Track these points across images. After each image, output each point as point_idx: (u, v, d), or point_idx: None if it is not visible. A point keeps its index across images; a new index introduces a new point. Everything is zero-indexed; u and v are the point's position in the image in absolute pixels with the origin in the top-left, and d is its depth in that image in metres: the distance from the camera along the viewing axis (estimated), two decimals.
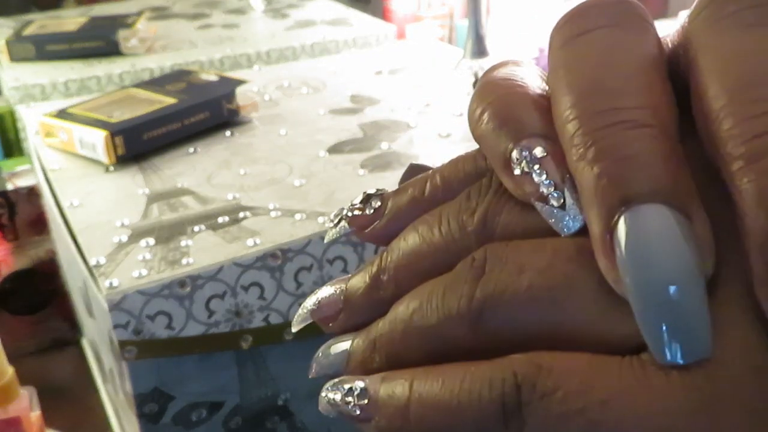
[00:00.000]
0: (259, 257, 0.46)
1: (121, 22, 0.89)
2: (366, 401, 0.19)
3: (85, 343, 0.72)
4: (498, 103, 0.19)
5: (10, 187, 0.72)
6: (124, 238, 0.48)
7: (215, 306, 0.45)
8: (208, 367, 0.47)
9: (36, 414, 0.52)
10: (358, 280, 0.21)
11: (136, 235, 0.48)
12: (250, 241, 0.47)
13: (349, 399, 0.19)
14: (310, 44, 0.91)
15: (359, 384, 0.20)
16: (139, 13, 0.93)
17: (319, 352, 0.24)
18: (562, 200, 0.17)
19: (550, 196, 0.17)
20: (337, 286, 0.22)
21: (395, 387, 0.18)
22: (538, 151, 0.18)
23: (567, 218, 0.17)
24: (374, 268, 0.21)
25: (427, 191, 0.21)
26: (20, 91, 0.79)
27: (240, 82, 0.67)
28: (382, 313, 0.20)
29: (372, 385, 0.19)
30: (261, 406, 0.50)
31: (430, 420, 0.18)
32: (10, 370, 0.50)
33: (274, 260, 0.46)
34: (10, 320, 0.72)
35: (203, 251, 0.46)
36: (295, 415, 0.52)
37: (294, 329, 0.24)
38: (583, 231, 0.17)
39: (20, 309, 0.73)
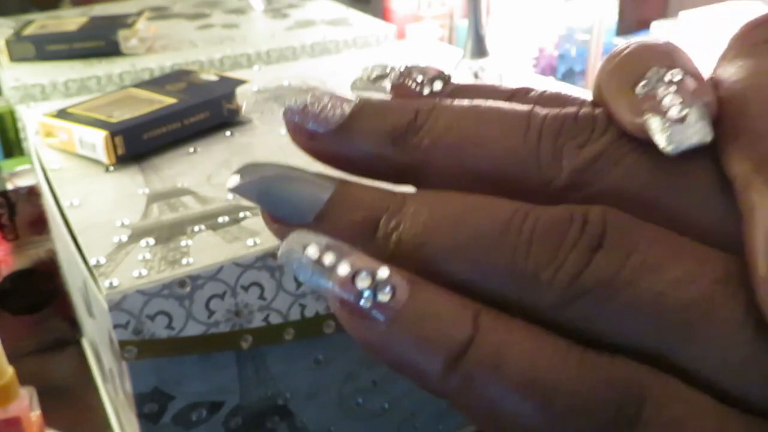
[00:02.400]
0: (259, 257, 0.46)
1: (121, 22, 0.89)
2: (389, 299, 0.14)
3: (85, 343, 0.72)
4: (648, 45, 0.16)
5: (10, 187, 0.72)
6: (124, 238, 0.48)
7: (215, 306, 0.45)
8: (208, 367, 0.47)
9: (36, 414, 0.52)
10: (379, 113, 0.17)
11: (136, 235, 0.48)
12: (250, 241, 0.47)
13: (362, 283, 0.14)
14: (310, 44, 0.91)
15: (383, 271, 0.14)
16: (139, 13, 0.93)
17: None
18: (684, 112, 0.14)
19: (672, 107, 0.14)
20: (347, 102, 0.17)
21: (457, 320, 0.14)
22: (676, 73, 0.15)
23: (684, 132, 0.14)
24: (407, 116, 0.16)
25: (511, 97, 0.17)
26: (20, 91, 0.79)
27: (240, 82, 0.67)
28: (380, 173, 0.16)
29: (400, 283, 0.14)
30: (261, 406, 0.50)
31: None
32: (10, 370, 0.50)
33: (274, 260, 0.46)
34: (10, 320, 0.72)
35: (203, 251, 0.46)
36: (296, 415, 0.52)
37: (250, 106, 0.18)
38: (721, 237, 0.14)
39: (20, 309, 0.73)
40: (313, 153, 0.18)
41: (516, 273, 0.14)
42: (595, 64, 1.02)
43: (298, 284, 0.48)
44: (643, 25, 1.13)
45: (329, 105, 0.17)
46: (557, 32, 1.12)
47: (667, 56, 0.16)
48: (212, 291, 0.45)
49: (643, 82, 0.15)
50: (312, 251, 0.15)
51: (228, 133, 0.64)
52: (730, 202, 0.14)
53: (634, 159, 0.15)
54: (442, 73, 0.18)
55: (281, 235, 0.16)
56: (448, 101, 0.16)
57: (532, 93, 0.18)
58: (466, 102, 0.16)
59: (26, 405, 0.50)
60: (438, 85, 0.17)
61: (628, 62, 0.16)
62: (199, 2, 1.12)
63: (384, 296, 0.14)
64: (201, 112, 0.63)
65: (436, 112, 0.16)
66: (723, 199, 0.14)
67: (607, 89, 0.16)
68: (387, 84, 0.18)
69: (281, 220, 0.16)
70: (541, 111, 0.16)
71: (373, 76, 0.18)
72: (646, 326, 0.14)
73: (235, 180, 0.17)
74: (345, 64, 0.81)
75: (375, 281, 0.14)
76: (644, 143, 0.15)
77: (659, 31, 1.08)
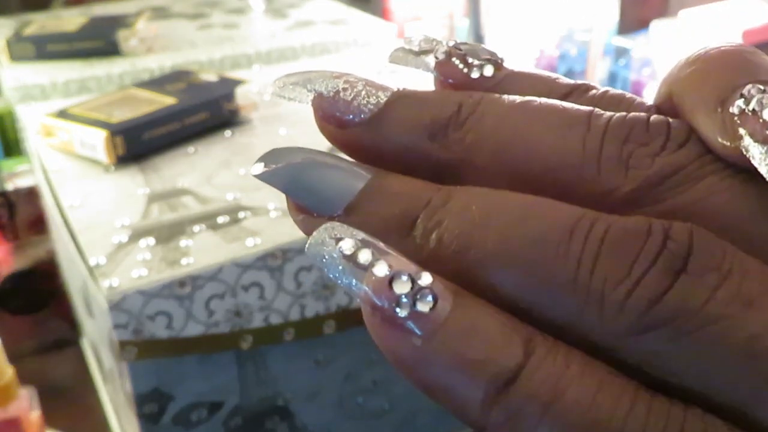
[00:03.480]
0: (259, 257, 0.46)
1: (121, 22, 0.89)
2: (429, 310, 0.12)
3: (85, 343, 0.72)
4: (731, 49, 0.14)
5: (10, 187, 0.72)
6: (124, 238, 0.48)
7: (215, 306, 0.45)
8: (208, 367, 0.47)
9: (36, 414, 0.52)
10: (417, 104, 0.14)
11: (136, 235, 0.48)
12: (250, 241, 0.47)
13: (402, 290, 0.12)
14: (310, 44, 0.91)
15: (426, 277, 0.12)
16: (139, 13, 0.93)
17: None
18: None
19: None
20: (383, 90, 0.15)
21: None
22: None
23: None
24: (449, 109, 0.14)
25: (569, 93, 0.15)
26: (20, 91, 0.79)
27: (240, 82, 0.67)
28: (416, 170, 0.14)
29: (443, 293, 0.12)
30: (261, 406, 0.50)
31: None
32: (10, 370, 0.50)
33: (274, 260, 0.46)
34: (10, 320, 0.72)
35: (203, 251, 0.46)
36: (296, 416, 0.52)
37: (278, 89, 0.16)
38: None
39: (20, 309, 0.73)
40: (342, 144, 0.15)
41: (578, 291, 0.12)
42: (595, 64, 1.02)
43: (298, 284, 0.48)
44: (643, 25, 1.13)
45: (363, 92, 0.15)
46: (557, 32, 1.12)
47: (763, 69, 0.13)
48: (212, 291, 0.45)
49: (739, 100, 0.12)
50: (346, 246, 0.13)
51: (228, 133, 0.64)
52: None
53: (721, 181, 0.13)
54: (495, 55, 0.15)
55: (307, 228, 0.14)
56: (496, 95, 0.14)
57: (592, 92, 0.15)
58: (517, 98, 0.14)
59: (26, 405, 0.50)
60: (489, 70, 0.15)
61: (715, 71, 0.14)
62: (199, 2, 1.12)
63: (424, 306, 0.12)
64: (201, 112, 0.63)
65: (483, 106, 0.14)
66: None
67: (688, 99, 0.14)
68: (431, 60, 0.15)
69: (308, 211, 0.14)
70: (604, 112, 0.14)
71: (417, 48, 0.16)
72: (732, 374, 0.11)
73: (259, 166, 0.15)
74: (345, 64, 0.81)
75: (415, 288, 0.12)
76: (734, 166, 0.13)
77: (659, 31, 1.08)
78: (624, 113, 0.14)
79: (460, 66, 0.15)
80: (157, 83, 0.67)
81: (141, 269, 0.44)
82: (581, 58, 1.12)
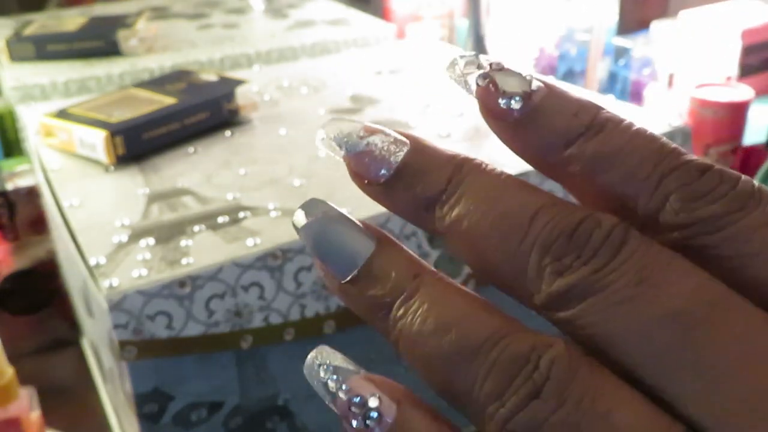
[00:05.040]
0: (259, 257, 0.46)
1: (121, 22, 0.89)
2: (374, 425, 0.16)
3: (85, 343, 0.72)
4: None
5: (10, 187, 0.72)
6: (124, 238, 0.48)
7: (215, 306, 0.45)
8: (208, 367, 0.47)
9: (36, 414, 0.52)
10: (418, 173, 0.17)
11: (136, 235, 0.48)
12: (250, 241, 0.47)
13: (354, 410, 0.17)
14: (310, 44, 0.91)
15: (373, 401, 0.16)
16: (139, 13, 0.93)
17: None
18: None
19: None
20: (396, 153, 0.18)
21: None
22: None
23: None
24: (439, 185, 0.17)
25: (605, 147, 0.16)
26: (20, 91, 0.79)
27: (240, 82, 0.67)
28: (421, 227, 0.17)
29: (387, 409, 0.16)
30: (261, 406, 0.50)
31: None
32: (10, 370, 0.50)
33: (274, 260, 0.46)
34: (10, 320, 0.72)
35: (203, 251, 0.46)
36: (296, 416, 0.52)
37: (321, 143, 0.18)
38: None
39: (20, 309, 0.73)
40: (367, 194, 0.18)
41: (471, 399, 0.15)
42: (595, 64, 1.02)
43: (298, 284, 0.48)
44: (643, 25, 1.13)
45: (381, 155, 0.17)
46: (557, 32, 1.12)
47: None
48: (212, 291, 0.45)
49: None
50: (322, 374, 0.17)
51: (228, 133, 0.64)
52: None
53: (606, 305, 0.15)
54: (526, 82, 0.17)
55: (332, 290, 0.18)
56: (484, 167, 0.17)
57: (600, 136, 0.16)
58: (491, 183, 0.17)
59: (26, 405, 0.51)
60: (517, 104, 0.16)
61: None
62: (199, 2, 1.12)
63: (371, 422, 0.16)
64: (201, 112, 0.63)
65: (463, 186, 0.17)
66: None
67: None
68: (473, 83, 0.17)
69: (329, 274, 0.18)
70: (548, 213, 0.15)
71: (461, 72, 0.18)
72: None
73: (301, 217, 0.18)
74: (345, 64, 0.81)
75: (365, 408, 0.16)
76: (620, 291, 0.15)
77: (659, 31, 1.08)
78: (568, 212, 0.15)
79: (495, 95, 0.17)
80: (157, 83, 0.67)
81: (141, 269, 0.44)
82: (581, 58, 1.11)
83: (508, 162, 0.20)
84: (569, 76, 1.13)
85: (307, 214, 0.18)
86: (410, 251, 0.17)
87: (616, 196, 0.16)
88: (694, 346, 0.14)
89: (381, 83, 0.74)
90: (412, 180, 0.17)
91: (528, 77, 0.17)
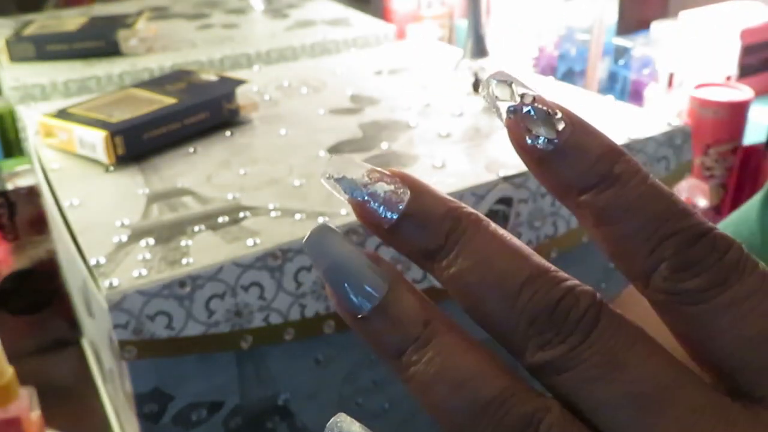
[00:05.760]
0: (259, 257, 0.46)
1: (121, 22, 0.89)
2: None
3: (85, 343, 0.72)
4: None
5: (10, 187, 0.72)
6: (124, 238, 0.48)
7: (215, 306, 0.45)
8: (208, 367, 0.47)
9: (36, 414, 0.52)
10: (420, 225, 0.18)
11: (136, 235, 0.48)
12: (250, 241, 0.47)
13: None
14: (310, 44, 0.91)
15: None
16: (139, 13, 0.93)
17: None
18: None
19: None
20: (398, 203, 0.18)
21: None
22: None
23: None
24: (438, 238, 0.18)
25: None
26: (20, 91, 0.79)
27: (240, 82, 0.67)
28: (434, 262, 0.18)
29: None
30: (261, 406, 0.50)
31: None
32: (10, 370, 0.50)
33: (274, 260, 0.46)
34: (10, 320, 0.72)
35: (203, 251, 0.46)
36: (296, 415, 0.52)
37: (325, 182, 0.19)
38: None
39: (20, 309, 0.73)
40: (375, 235, 0.19)
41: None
42: (595, 64, 1.02)
43: (298, 284, 0.48)
44: (643, 25, 1.13)
45: (381, 203, 0.18)
46: (557, 32, 1.12)
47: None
48: (212, 291, 0.45)
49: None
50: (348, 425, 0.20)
51: (228, 133, 0.64)
52: None
53: (586, 373, 0.17)
54: (553, 121, 0.18)
55: (343, 316, 0.19)
56: (480, 224, 0.18)
57: (613, 189, 0.18)
58: (494, 239, 0.18)
59: (26, 405, 0.51)
60: (543, 143, 0.18)
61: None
62: (199, 2, 1.12)
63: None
64: (201, 112, 0.63)
65: (460, 245, 0.18)
66: None
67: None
68: (503, 110, 0.18)
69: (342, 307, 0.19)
70: (535, 285, 0.17)
71: (492, 95, 0.18)
72: None
73: (320, 252, 0.19)
74: (345, 64, 0.81)
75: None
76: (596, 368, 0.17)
77: (659, 32, 1.08)
78: (554, 284, 0.17)
79: (523, 130, 0.18)
80: (157, 83, 0.67)
81: (141, 269, 0.44)
82: (581, 58, 1.11)
83: (509, 162, 0.20)
84: (569, 76, 1.13)
85: (320, 244, 0.19)
86: (421, 293, 0.18)
87: (619, 248, 0.18)
88: (646, 424, 0.16)
89: (381, 83, 0.74)
90: (413, 232, 0.18)
91: (555, 115, 0.18)
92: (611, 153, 0.18)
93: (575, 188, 0.18)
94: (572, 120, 0.18)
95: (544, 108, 0.18)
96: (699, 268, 0.17)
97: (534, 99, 0.18)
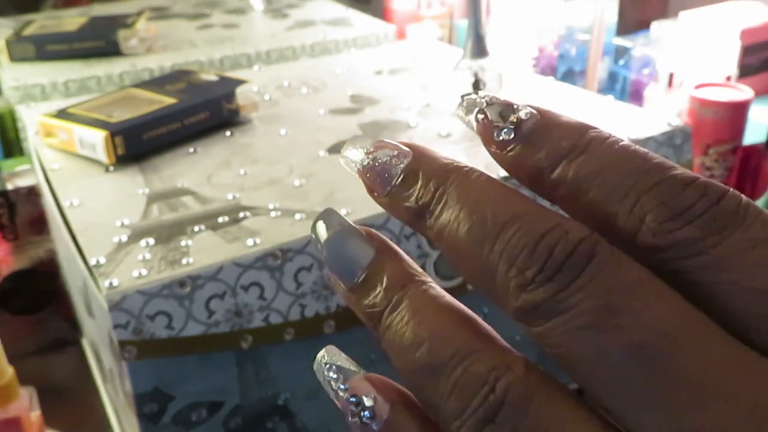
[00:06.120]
0: (259, 257, 0.46)
1: (121, 22, 0.89)
2: (369, 421, 0.17)
3: (85, 343, 0.72)
4: None
5: (10, 187, 0.72)
6: (124, 238, 0.48)
7: (215, 306, 0.45)
8: (208, 367, 0.47)
9: (36, 414, 0.52)
10: (410, 187, 0.18)
11: (136, 235, 0.48)
12: (250, 241, 0.47)
13: (352, 408, 0.18)
14: (310, 44, 0.91)
15: (368, 400, 0.18)
16: (139, 13, 0.93)
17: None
18: None
19: None
20: (400, 158, 0.18)
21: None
22: None
23: None
24: (427, 195, 0.17)
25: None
26: (20, 91, 0.79)
27: (240, 82, 0.67)
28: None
29: (381, 409, 0.17)
30: (261, 406, 0.50)
31: None
32: (10, 370, 0.50)
33: (274, 260, 0.46)
34: (10, 320, 0.72)
35: (203, 251, 0.46)
36: (296, 415, 0.52)
37: (342, 162, 0.19)
38: None
39: (20, 309, 0.73)
40: (380, 206, 0.19)
41: (439, 415, 0.16)
42: (595, 64, 1.02)
43: (298, 284, 0.48)
44: (643, 25, 1.13)
45: (385, 168, 0.18)
46: (557, 32, 1.12)
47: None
48: (212, 291, 0.45)
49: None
50: (327, 372, 0.19)
51: (228, 133, 0.64)
52: None
53: (567, 324, 0.14)
54: (512, 112, 0.17)
55: (341, 296, 0.19)
56: (469, 174, 0.17)
57: (582, 158, 0.16)
58: (482, 185, 0.17)
59: (26, 405, 0.50)
60: (508, 135, 0.17)
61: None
62: (199, 2, 1.12)
63: (366, 419, 0.17)
64: (201, 112, 0.63)
65: (447, 195, 0.17)
66: None
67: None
68: (473, 120, 0.18)
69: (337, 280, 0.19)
70: (518, 222, 0.15)
71: (465, 110, 0.18)
72: None
73: (322, 230, 0.19)
74: (345, 64, 0.81)
75: (361, 407, 0.17)
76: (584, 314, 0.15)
77: (659, 32, 1.08)
78: (531, 223, 0.15)
79: (490, 129, 0.17)
80: (157, 83, 0.67)
81: (141, 269, 0.44)
82: (581, 58, 1.11)
83: None
84: (569, 76, 1.13)
85: (327, 227, 0.19)
86: (408, 259, 0.18)
87: (599, 217, 0.16)
88: (653, 379, 0.13)
89: (381, 83, 0.74)
90: (408, 190, 0.17)
91: (517, 106, 0.17)
92: (578, 127, 0.16)
93: (546, 170, 0.16)
94: (539, 110, 0.17)
95: (508, 103, 0.17)
96: (691, 214, 0.14)
97: (497, 98, 0.18)
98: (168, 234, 0.48)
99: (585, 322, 0.14)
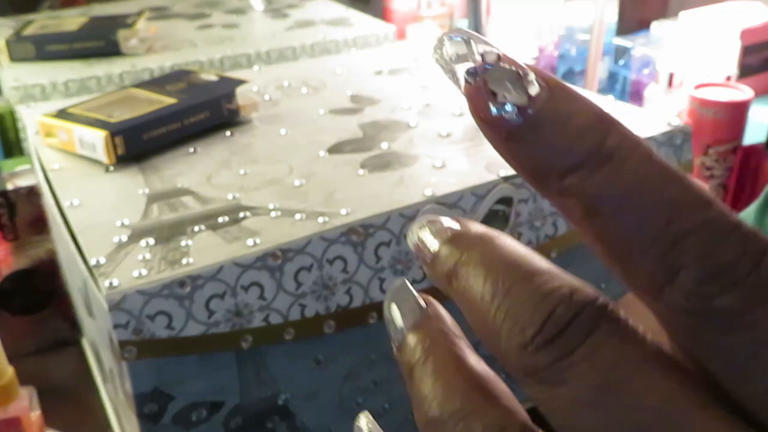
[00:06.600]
0: (259, 257, 0.46)
1: (121, 22, 0.89)
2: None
3: (85, 343, 0.72)
4: None
5: (10, 187, 0.72)
6: (124, 238, 0.48)
7: (215, 306, 0.45)
8: (208, 367, 0.47)
9: (36, 414, 0.52)
10: (429, 228, 0.17)
11: (136, 235, 0.48)
12: (250, 241, 0.47)
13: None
14: (310, 44, 0.91)
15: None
16: (139, 13, 0.93)
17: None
18: None
19: None
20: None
21: None
22: None
23: None
24: (446, 261, 0.16)
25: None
26: (20, 91, 0.79)
27: (240, 82, 0.67)
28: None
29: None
30: (261, 406, 0.50)
31: None
32: (10, 370, 0.50)
33: (274, 260, 0.46)
34: (10, 320, 0.72)
35: (203, 251, 0.46)
36: (296, 415, 0.52)
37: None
38: None
39: (20, 309, 0.73)
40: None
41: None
42: (595, 64, 1.02)
43: (298, 284, 0.48)
44: (643, 25, 1.13)
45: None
46: (557, 32, 1.12)
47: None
48: (212, 291, 0.45)
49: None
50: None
51: (228, 133, 0.64)
52: None
53: (555, 390, 0.14)
54: (524, 82, 0.14)
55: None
56: (494, 239, 0.16)
57: (597, 175, 0.14)
58: (501, 245, 0.16)
59: (26, 405, 0.50)
60: (511, 110, 0.14)
61: None
62: (199, 2, 1.12)
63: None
64: (201, 112, 0.63)
65: (470, 260, 0.16)
66: None
67: None
68: (461, 74, 0.15)
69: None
70: (527, 281, 0.14)
71: (448, 58, 0.15)
72: None
73: (397, 315, 0.18)
74: (345, 64, 0.81)
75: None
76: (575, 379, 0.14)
77: (659, 32, 1.08)
78: (538, 286, 0.14)
79: (485, 97, 0.14)
80: (157, 83, 0.67)
81: (141, 269, 0.44)
82: (581, 58, 1.11)
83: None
84: (569, 76, 1.13)
85: (401, 309, 0.18)
86: (448, 320, 0.18)
87: (618, 248, 0.14)
88: None
89: (381, 83, 0.74)
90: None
91: (527, 76, 0.14)
92: (601, 121, 0.14)
93: (556, 170, 0.14)
94: (549, 83, 0.14)
95: (513, 68, 0.14)
96: (732, 276, 0.13)
97: (499, 57, 0.14)
98: (168, 234, 0.48)
99: (585, 397, 0.13)
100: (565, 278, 0.14)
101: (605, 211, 0.14)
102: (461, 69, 0.15)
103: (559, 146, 0.14)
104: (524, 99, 0.14)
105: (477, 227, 0.17)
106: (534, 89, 0.14)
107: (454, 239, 0.16)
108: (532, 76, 0.14)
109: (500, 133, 0.14)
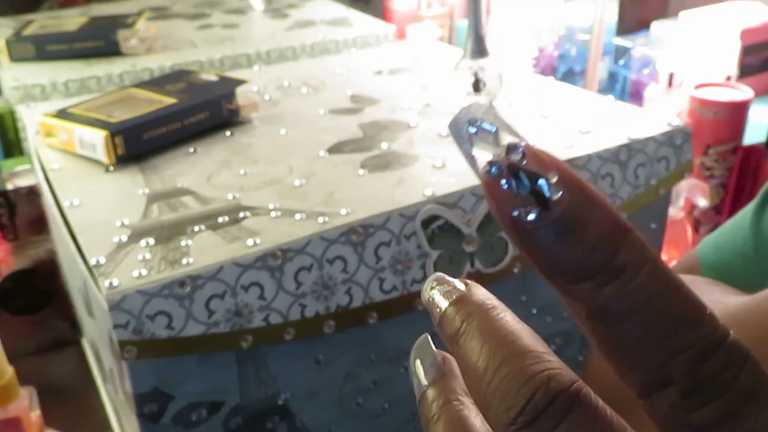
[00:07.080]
0: (259, 257, 0.46)
1: (121, 22, 0.89)
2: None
3: (85, 343, 0.72)
4: None
5: (10, 187, 0.72)
6: (124, 238, 0.48)
7: (215, 306, 0.45)
8: (208, 367, 0.47)
9: (36, 414, 0.52)
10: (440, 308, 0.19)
11: (136, 235, 0.48)
12: (250, 241, 0.47)
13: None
14: (310, 44, 0.91)
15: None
16: (139, 13, 0.93)
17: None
18: None
19: None
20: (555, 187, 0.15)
21: None
22: None
23: None
24: (453, 326, 0.18)
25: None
26: (20, 91, 0.79)
27: (240, 82, 0.67)
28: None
29: None
30: (261, 406, 0.50)
31: None
32: (10, 370, 0.50)
33: (274, 260, 0.46)
34: (10, 320, 0.72)
35: (203, 251, 0.46)
36: (296, 415, 0.52)
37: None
38: None
39: (20, 309, 0.73)
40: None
41: None
42: (595, 64, 1.02)
43: (298, 284, 0.48)
44: (643, 25, 1.13)
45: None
46: (557, 32, 1.12)
47: None
48: (212, 291, 0.45)
49: None
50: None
51: (228, 133, 0.64)
52: None
53: None
54: (546, 186, 0.15)
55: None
56: (491, 310, 0.17)
57: (610, 286, 0.15)
58: (497, 317, 0.17)
59: (26, 405, 0.51)
60: (531, 217, 0.15)
61: None
62: (199, 2, 1.12)
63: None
64: (201, 112, 0.63)
65: (469, 330, 0.17)
66: None
67: None
68: (480, 162, 0.15)
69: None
70: (513, 362, 0.16)
71: (469, 136, 0.15)
72: None
73: (420, 370, 0.20)
74: (345, 64, 0.81)
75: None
76: None
77: (659, 31, 1.08)
78: (522, 369, 0.16)
79: (507, 197, 0.15)
80: (157, 83, 0.67)
81: (141, 269, 0.44)
82: (581, 58, 1.11)
83: None
84: (569, 76, 1.13)
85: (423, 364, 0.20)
86: (459, 377, 0.19)
87: (616, 354, 0.16)
88: None
89: (381, 83, 0.74)
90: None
91: (551, 179, 0.15)
92: (614, 234, 0.15)
93: (567, 275, 0.15)
94: (569, 184, 0.15)
95: (537, 169, 0.15)
96: (711, 392, 0.15)
97: (524, 154, 0.15)
98: (168, 234, 0.48)
99: None
100: (545, 360, 0.16)
101: (611, 321, 0.15)
102: (482, 156, 0.15)
103: (573, 256, 0.15)
104: (546, 205, 0.15)
105: (480, 293, 0.18)
106: (556, 194, 0.15)
107: (459, 301, 0.18)
108: (555, 179, 0.15)
109: (517, 231, 0.15)
